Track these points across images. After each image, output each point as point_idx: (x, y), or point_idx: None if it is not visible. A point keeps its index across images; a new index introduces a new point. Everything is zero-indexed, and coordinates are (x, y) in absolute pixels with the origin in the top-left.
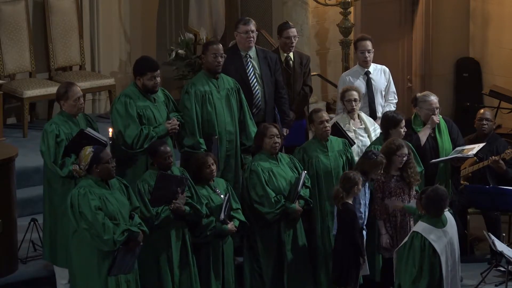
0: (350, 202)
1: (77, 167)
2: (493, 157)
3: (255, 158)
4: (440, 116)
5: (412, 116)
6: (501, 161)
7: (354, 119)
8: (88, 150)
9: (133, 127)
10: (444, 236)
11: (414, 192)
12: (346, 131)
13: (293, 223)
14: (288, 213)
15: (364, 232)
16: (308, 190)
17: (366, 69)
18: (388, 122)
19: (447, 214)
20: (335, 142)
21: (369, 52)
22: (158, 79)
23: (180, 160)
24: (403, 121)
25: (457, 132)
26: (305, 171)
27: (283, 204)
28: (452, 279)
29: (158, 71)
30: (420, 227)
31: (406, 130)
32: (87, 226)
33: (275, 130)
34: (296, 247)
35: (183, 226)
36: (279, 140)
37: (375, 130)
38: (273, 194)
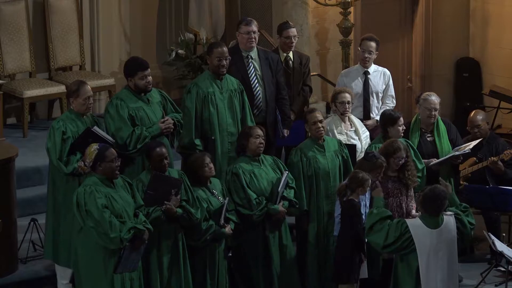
0: (356, 199)
1: (82, 163)
2: (492, 158)
3: (237, 160)
4: (439, 118)
5: (413, 120)
6: (499, 162)
7: (345, 122)
8: (94, 147)
9: (124, 129)
10: (434, 237)
11: (412, 193)
12: (338, 134)
13: (277, 224)
14: (272, 214)
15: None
16: (292, 190)
17: (365, 69)
18: (385, 120)
19: (448, 218)
20: (331, 142)
21: (370, 53)
22: (150, 78)
23: (181, 161)
24: (401, 119)
25: (456, 132)
26: (287, 171)
27: (265, 206)
28: (440, 282)
29: (149, 70)
30: (411, 220)
31: (404, 128)
32: (94, 224)
33: (260, 131)
34: (282, 249)
35: (176, 228)
36: (263, 141)
37: (365, 132)
38: (254, 196)
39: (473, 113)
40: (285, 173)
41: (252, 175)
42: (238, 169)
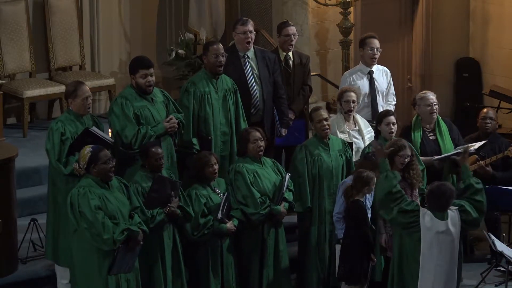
0: (361, 199)
1: (77, 165)
2: (480, 162)
3: (239, 160)
4: (440, 117)
5: (413, 119)
6: (488, 167)
7: (349, 121)
8: (87, 150)
9: (130, 127)
10: (438, 228)
11: (417, 193)
12: (340, 133)
13: (276, 225)
14: (273, 215)
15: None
16: (291, 193)
17: (369, 69)
18: (376, 120)
19: (452, 213)
20: (335, 141)
21: (377, 50)
22: (151, 78)
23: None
24: (391, 117)
25: (457, 133)
26: (289, 174)
27: (268, 205)
28: (439, 275)
29: (152, 70)
30: (423, 210)
31: (393, 127)
32: (87, 225)
33: (258, 134)
34: (277, 253)
35: (172, 228)
36: (263, 144)
37: (369, 132)
38: (258, 195)
39: (485, 108)
40: (287, 175)
41: (256, 174)
42: (242, 168)
